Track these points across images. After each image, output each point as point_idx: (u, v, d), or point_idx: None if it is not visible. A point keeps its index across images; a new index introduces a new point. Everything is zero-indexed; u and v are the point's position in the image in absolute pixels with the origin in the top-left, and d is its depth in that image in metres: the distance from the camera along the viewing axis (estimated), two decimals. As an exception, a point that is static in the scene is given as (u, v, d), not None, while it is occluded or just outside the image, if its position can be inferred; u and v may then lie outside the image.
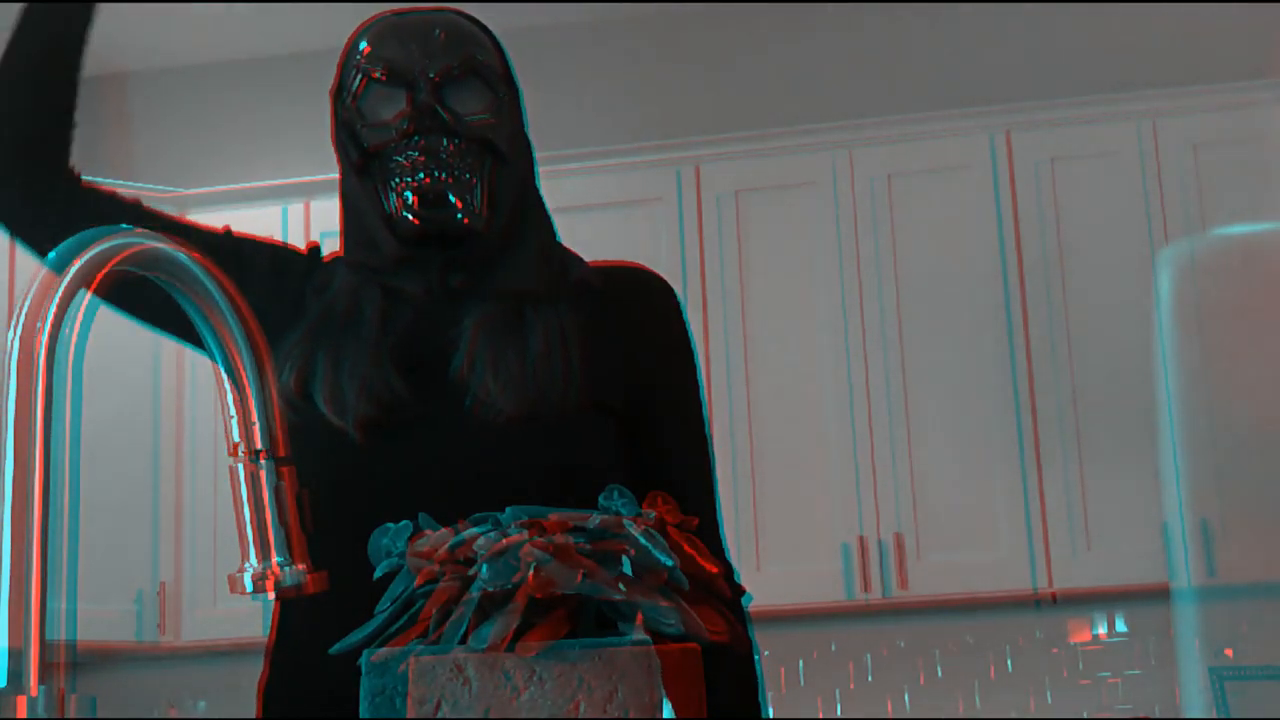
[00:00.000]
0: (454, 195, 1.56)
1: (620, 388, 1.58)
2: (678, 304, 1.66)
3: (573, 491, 1.49)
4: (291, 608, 1.57)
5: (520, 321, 1.56)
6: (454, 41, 1.61)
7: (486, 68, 1.62)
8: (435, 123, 1.57)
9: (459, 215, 1.55)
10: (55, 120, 1.65)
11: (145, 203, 1.69)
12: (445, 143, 1.56)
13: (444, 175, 1.56)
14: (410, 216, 1.55)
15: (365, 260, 1.61)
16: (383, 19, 1.64)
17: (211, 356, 1.00)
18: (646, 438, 1.59)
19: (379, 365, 1.54)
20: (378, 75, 1.59)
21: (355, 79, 1.61)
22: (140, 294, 1.53)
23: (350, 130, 1.61)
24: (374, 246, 1.61)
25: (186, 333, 1.59)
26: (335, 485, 1.47)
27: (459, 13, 1.66)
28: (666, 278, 1.69)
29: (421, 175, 1.55)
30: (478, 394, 1.52)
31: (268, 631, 1.62)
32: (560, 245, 1.67)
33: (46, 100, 1.65)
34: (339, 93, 1.63)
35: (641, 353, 1.61)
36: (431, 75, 1.58)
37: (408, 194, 1.55)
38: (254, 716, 1.59)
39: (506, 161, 1.62)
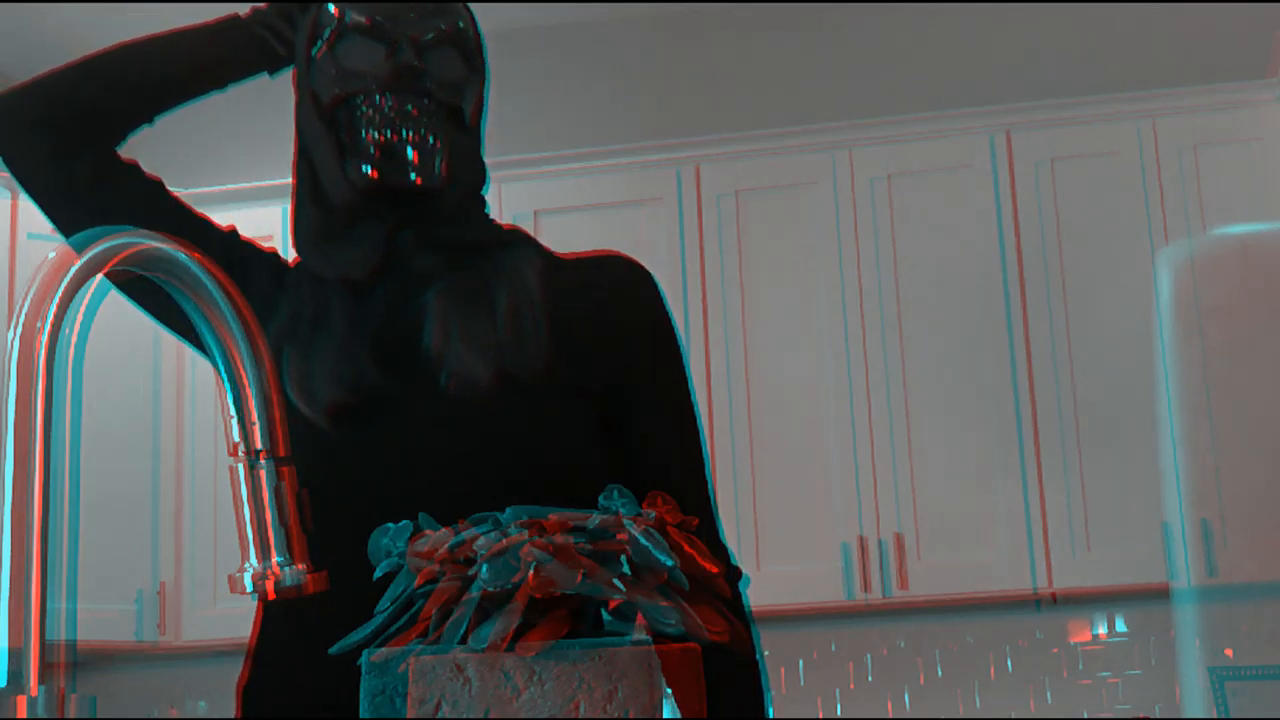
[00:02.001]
0: (415, 154, 1.56)
1: (597, 371, 1.56)
2: (656, 289, 1.64)
3: (554, 469, 1.48)
4: (275, 605, 1.56)
5: (484, 287, 1.56)
6: (439, 8, 1.62)
7: (466, 38, 1.63)
8: (411, 82, 1.57)
9: (413, 175, 1.56)
10: (135, 114, 1.66)
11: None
12: (415, 103, 1.57)
13: (410, 134, 1.56)
14: (369, 169, 1.56)
15: (314, 223, 1.60)
16: None
17: (211, 355, 1.00)
18: (632, 424, 1.58)
19: (348, 350, 1.54)
20: (360, 24, 1.59)
21: (332, 24, 1.61)
22: (153, 290, 1.54)
23: (323, 73, 1.60)
24: (326, 202, 1.61)
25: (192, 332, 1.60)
26: (316, 477, 1.48)
27: None
28: (666, 277, 1.68)
29: (389, 131, 1.56)
30: (453, 367, 1.52)
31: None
32: (505, 226, 1.68)
33: (148, 100, 1.67)
34: (312, 39, 1.62)
35: (620, 337, 1.59)
36: (412, 35, 1.59)
37: (370, 148, 1.56)
38: (248, 717, 1.58)
39: (468, 133, 1.63)
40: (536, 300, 1.56)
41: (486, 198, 1.69)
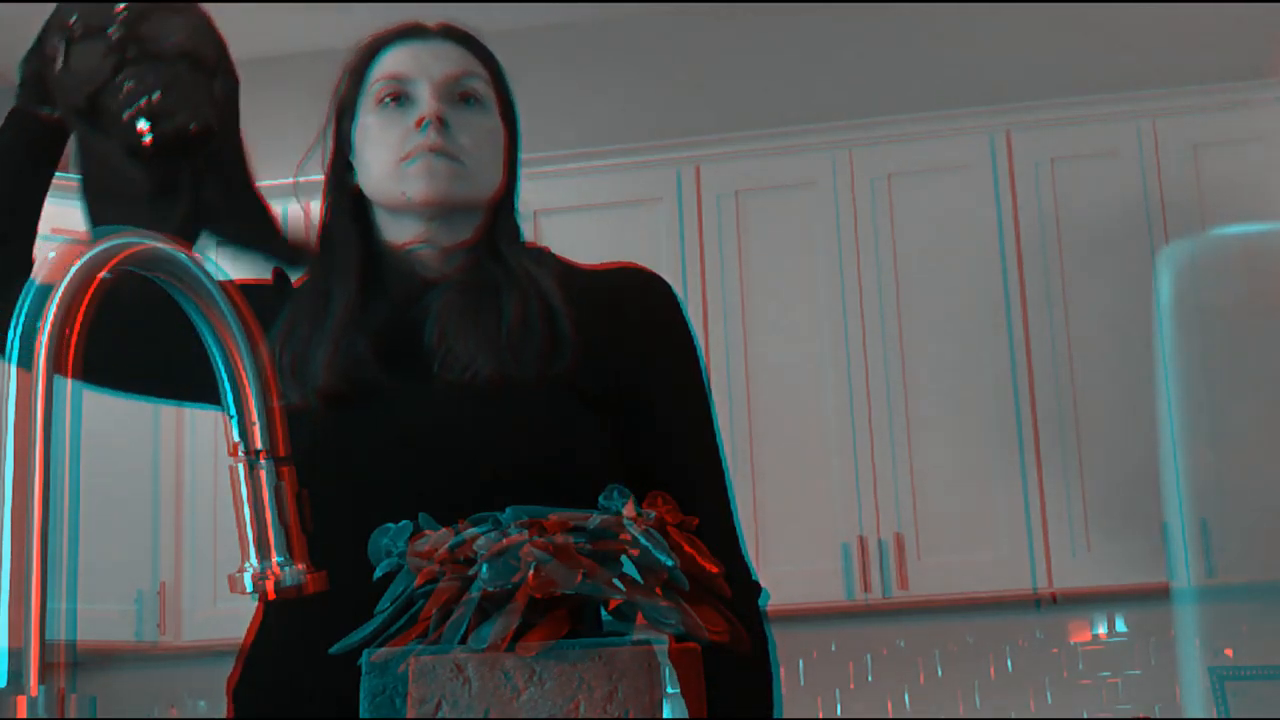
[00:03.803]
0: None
1: (609, 377, 1.55)
2: (677, 301, 1.63)
3: (548, 470, 1.47)
4: (270, 605, 1.56)
5: (495, 291, 1.56)
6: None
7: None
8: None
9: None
10: (25, 220, 1.63)
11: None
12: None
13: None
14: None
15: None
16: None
17: (211, 359, 1.00)
18: (649, 435, 1.56)
19: (347, 337, 1.54)
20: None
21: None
22: (130, 366, 1.55)
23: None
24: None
25: (181, 387, 1.60)
26: (306, 466, 1.47)
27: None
28: (666, 277, 1.67)
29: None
30: (446, 356, 1.51)
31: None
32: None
33: (16, 199, 1.63)
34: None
35: (638, 344, 1.58)
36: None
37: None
38: (240, 717, 1.58)
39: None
40: (551, 304, 1.55)
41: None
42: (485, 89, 1.61)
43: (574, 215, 4.30)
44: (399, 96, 1.59)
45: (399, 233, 1.60)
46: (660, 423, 1.58)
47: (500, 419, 1.50)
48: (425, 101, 1.57)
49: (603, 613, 0.95)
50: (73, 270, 0.88)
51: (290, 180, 1.73)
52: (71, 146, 1.63)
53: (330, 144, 1.66)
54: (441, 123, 1.55)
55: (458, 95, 1.59)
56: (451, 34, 1.63)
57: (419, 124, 1.56)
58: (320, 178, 1.67)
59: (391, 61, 1.60)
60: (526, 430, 1.50)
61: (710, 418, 1.62)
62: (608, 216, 4.31)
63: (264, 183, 1.69)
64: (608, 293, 1.60)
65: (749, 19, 4.80)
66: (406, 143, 1.56)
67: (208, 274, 0.97)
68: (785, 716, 4.39)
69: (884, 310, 4.18)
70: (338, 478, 1.48)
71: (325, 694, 1.41)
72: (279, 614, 1.54)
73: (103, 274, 0.90)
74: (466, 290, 1.56)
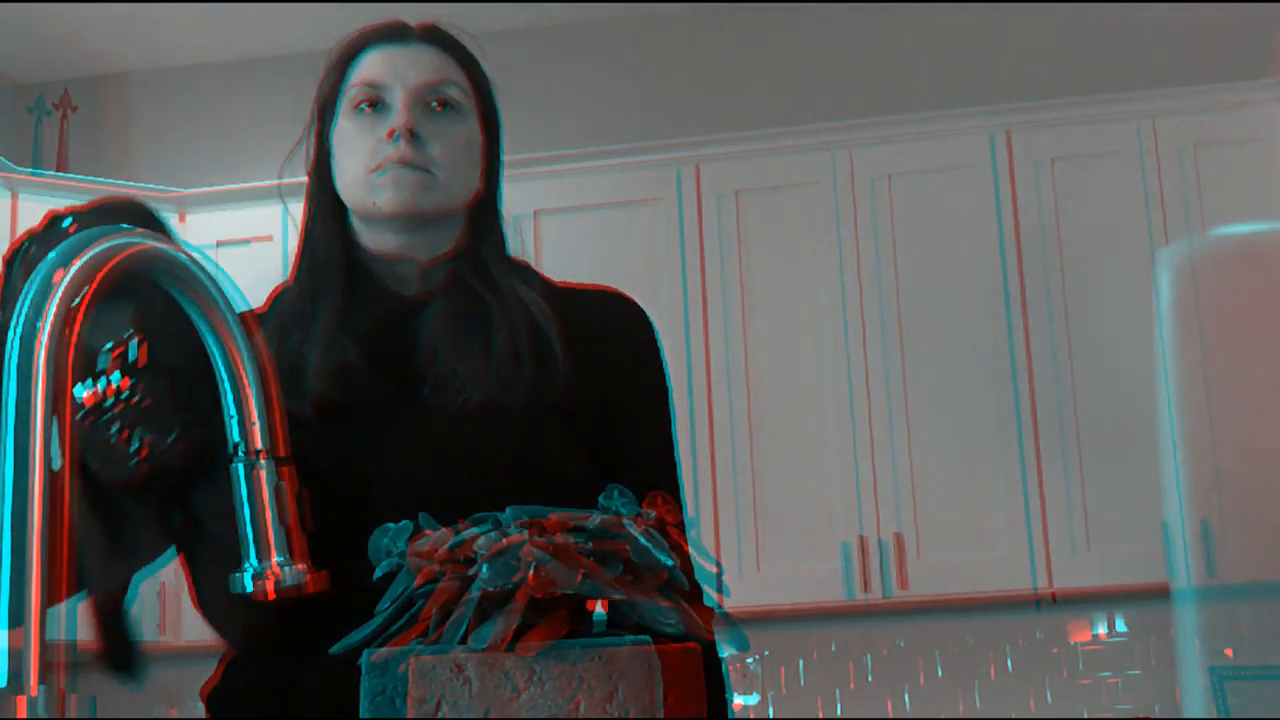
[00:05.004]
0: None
1: (583, 401, 1.55)
2: (653, 330, 1.64)
3: (534, 489, 1.47)
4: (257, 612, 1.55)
5: (485, 317, 1.55)
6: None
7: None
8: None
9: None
10: None
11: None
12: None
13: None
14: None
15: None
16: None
17: (212, 359, 1.00)
18: (609, 454, 1.56)
19: (337, 343, 1.53)
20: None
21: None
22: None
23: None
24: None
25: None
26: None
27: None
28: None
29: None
30: (437, 382, 1.51)
31: None
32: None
33: None
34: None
35: (615, 379, 1.58)
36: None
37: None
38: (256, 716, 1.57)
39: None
40: (542, 329, 1.55)
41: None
42: (463, 96, 1.60)
43: (574, 215, 4.30)
44: (374, 103, 1.58)
45: (375, 241, 1.60)
46: (621, 450, 1.57)
47: (491, 441, 1.50)
48: (398, 111, 1.56)
49: (598, 611, 0.95)
50: (73, 270, 0.88)
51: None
52: None
53: (313, 143, 1.65)
54: (412, 134, 1.55)
55: (433, 103, 1.58)
56: (433, 37, 1.62)
57: (390, 135, 1.55)
58: (303, 180, 1.66)
59: (369, 66, 1.59)
60: (516, 453, 1.50)
61: (672, 446, 1.62)
62: (608, 216, 4.31)
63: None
64: (589, 319, 1.60)
65: (749, 19, 4.80)
66: (377, 153, 1.56)
67: (208, 274, 0.97)
68: (786, 717, 4.40)
69: (884, 310, 4.19)
70: (323, 490, 1.48)
71: (310, 698, 1.40)
72: (262, 620, 1.54)
73: (102, 273, 0.90)
74: (454, 316, 1.55)
